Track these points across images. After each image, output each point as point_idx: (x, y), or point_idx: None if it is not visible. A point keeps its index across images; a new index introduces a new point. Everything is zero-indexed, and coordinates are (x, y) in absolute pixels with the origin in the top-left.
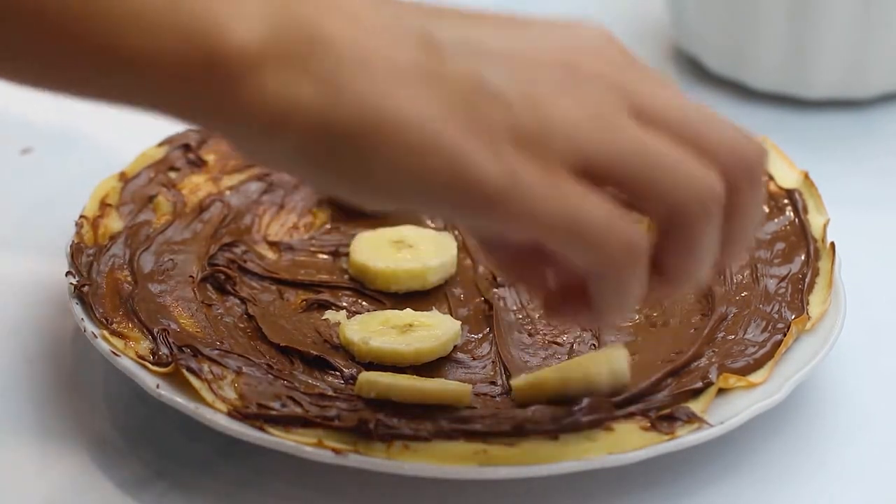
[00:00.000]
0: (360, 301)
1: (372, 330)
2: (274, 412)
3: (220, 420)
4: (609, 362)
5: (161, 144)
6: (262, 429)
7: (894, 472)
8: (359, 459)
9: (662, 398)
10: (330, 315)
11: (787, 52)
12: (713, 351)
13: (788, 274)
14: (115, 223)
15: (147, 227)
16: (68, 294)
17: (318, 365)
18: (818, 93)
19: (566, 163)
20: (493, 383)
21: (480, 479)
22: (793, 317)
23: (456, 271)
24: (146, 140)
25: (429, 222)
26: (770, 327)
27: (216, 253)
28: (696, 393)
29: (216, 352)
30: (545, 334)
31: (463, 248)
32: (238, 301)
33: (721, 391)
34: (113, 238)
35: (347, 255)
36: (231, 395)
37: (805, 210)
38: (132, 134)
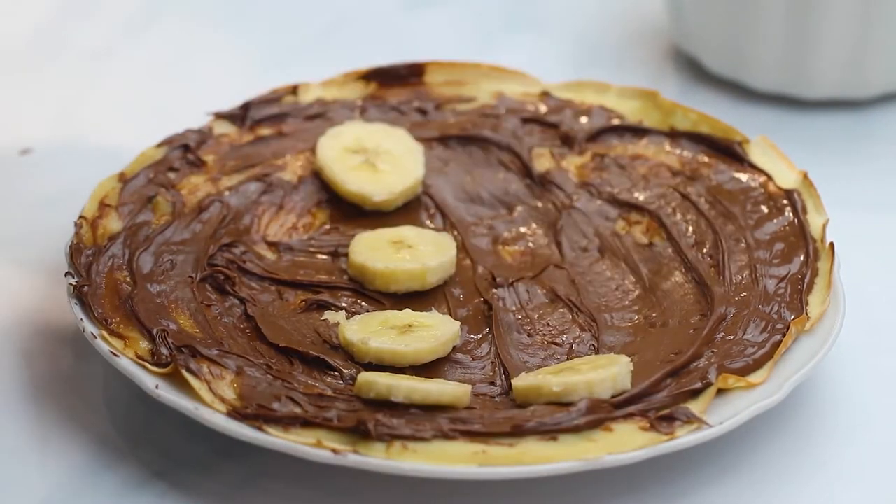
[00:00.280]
0: (359, 301)
1: (371, 330)
2: (273, 412)
3: (220, 420)
4: (611, 371)
5: (160, 145)
6: (261, 429)
7: (894, 472)
8: (358, 460)
9: (662, 398)
10: (329, 315)
11: (787, 52)
12: (712, 351)
13: (788, 274)
14: (114, 223)
15: (146, 227)
16: (68, 294)
17: (318, 365)
18: (817, 93)
19: None
20: (493, 384)
21: (480, 479)
22: (792, 317)
23: (455, 272)
24: (145, 140)
25: (428, 223)
26: (769, 328)
27: (215, 253)
28: (696, 393)
29: (215, 352)
30: (544, 335)
31: (462, 248)
32: (237, 301)
33: (720, 391)
34: (112, 238)
35: (347, 255)
36: (230, 395)
37: (804, 210)
38: (132, 134)
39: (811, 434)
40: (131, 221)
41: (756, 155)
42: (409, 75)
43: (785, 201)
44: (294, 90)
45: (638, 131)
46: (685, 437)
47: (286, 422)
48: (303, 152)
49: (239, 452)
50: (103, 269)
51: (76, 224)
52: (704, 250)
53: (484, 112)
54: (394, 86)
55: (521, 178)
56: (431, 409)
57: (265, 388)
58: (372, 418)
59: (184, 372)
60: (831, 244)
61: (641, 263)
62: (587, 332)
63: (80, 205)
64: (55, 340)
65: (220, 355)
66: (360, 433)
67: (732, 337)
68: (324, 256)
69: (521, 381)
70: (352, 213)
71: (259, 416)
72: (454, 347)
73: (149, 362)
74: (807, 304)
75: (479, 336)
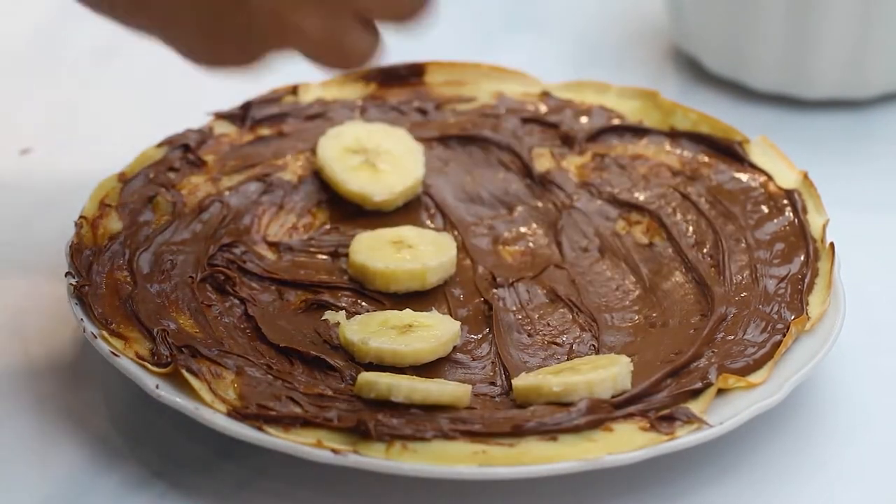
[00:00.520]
0: (359, 301)
1: (371, 330)
2: (273, 412)
3: (220, 420)
4: (611, 371)
5: (160, 145)
6: (261, 429)
7: (894, 472)
8: (358, 460)
9: (662, 398)
10: (329, 315)
11: (787, 52)
12: (713, 351)
13: (788, 274)
14: (114, 223)
15: (146, 227)
16: (68, 294)
17: (318, 365)
18: (817, 93)
19: None
20: (493, 384)
21: (480, 479)
22: (792, 317)
23: (455, 272)
24: (146, 140)
25: (428, 223)
26: (769, 328)
27: (215, 253)
28: (696, 393)
29: (215, 352)
30: (545, 335)
31: (462, 248)
32: (237, 301)
33: (720, 391)
34: (112, 238)
35: (347, 255)
36: (230, 395)
37: (804, 210)
38: (132, 134)
39: (811, 434)
40: (131, 221)
41: (756, 155)
42: (409, 75)
43: (785, 201)
44: (294, 90)
45: (638, 131)
46: (685, 437)
47: (286, 422)
48: (303, 152)
49: (239, 452)
50: (103, 269)
51: (76, 224)
52: (705, 250)
53: (484, 112)
54: (394, 86)
55: (522, 178)
56: (432, 409)
57: (265, 388)
58: (372, 418)
59: (184, 372)
60: (831, 244)
61: (642, 263)
62: (587, 332)
63: (80, 205)
64: (55, 340)
65: (221, 355)
66: (360, 433)
67: (733, 337)
68: (324, 256)
69: (521, 381)
70: (352, 213)
71: (259, 416)
72: (454, 347)
73: (149, 362)
74: (807, 304)
75: (480, 336)
